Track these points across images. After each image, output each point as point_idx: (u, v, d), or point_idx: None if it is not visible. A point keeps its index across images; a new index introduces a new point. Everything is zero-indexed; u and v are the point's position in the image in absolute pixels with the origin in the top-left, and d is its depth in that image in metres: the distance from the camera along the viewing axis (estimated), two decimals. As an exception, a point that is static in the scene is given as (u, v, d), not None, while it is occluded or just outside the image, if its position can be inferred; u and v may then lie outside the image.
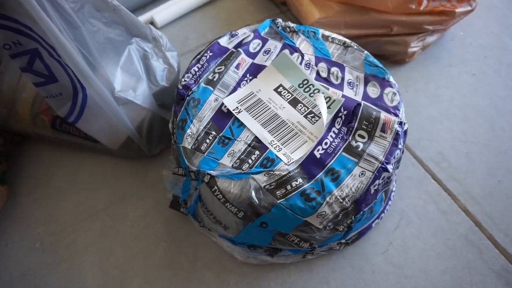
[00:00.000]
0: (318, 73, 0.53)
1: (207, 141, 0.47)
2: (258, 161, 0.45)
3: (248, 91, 0.51)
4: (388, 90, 0.52)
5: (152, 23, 0.80)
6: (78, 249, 0.56)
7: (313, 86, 0.51)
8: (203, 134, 0.47)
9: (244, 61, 0.54)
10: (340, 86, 0.52)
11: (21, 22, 0.40)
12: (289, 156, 0.46)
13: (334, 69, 0.53)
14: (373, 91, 0.51)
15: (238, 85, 0.52)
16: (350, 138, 0.47)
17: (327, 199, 0.43)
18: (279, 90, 0.51)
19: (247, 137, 0.47)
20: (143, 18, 0.79)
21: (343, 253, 0.55)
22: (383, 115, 0.49)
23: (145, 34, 0.56)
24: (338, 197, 0.43)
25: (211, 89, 0.51)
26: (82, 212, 0.59)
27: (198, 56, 0.54)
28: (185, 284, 0.53)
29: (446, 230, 0.57)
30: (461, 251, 0.55)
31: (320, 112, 0.48)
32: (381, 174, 0.45)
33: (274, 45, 0.55)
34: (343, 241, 0.52)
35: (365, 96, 0.51)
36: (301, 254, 0.52)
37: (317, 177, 0.44)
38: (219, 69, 0.52)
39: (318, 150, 0.46)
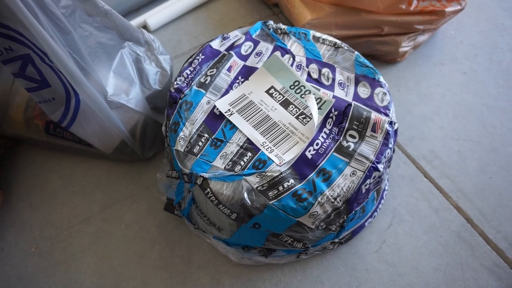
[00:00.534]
0: (309, 74, 0.53)
1: (200, 143, 0.47)
2: (250, 163, 0.46)
3: (239, 93, 0.51)
4: (378, 90, 0.52)
5: (145, 26, 0.80)
6: (74, 252, 0.56)
7: (304, 87, 0.52)
8: (195, 136, 0.47)
9: (235, 63, 0.54)
10: (331, 87, 0.52)
11: (12, 28, 0.40)
12: (281, 157, 0.46)
13: (325, 70, 0.54)
14: (364, 91, 0.52)
15: (230, 87, 0.52)
16: (341, 138, 0.48)
17: (319, 199, 0.44)
18: (270, 91, 0.52)
19: (239, 139, 0.48)
20: (136, 21, 0.79)
21: (337, 252, 0.55)
22: (374, 115, 0.49)
23: (137, 38, 0.56)
24: (330, 197, 0.44)
25: (203, 92, 0.51)
26: (77, 215, 0.59)
27: (190, 59, 0.54)
28: (180, 286, 0.53)
29: (438, 227, 0.57)
30: (453, 247, 0.56)
31: (311, 113, 0.48)
32: (372, 173, 0.46)
33: (265, 47, 0.56)
34: (336, 240, 0.53)
35: (356, 97, 0.51)
36: (295, 254, 0.52)
37: (308, 177, 0.45)
38: (211, 71, 0.53)
39: (309, 151, 0.47)
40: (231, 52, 0.55)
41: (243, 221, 0.45)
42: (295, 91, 0.51)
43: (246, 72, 0.53)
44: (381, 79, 0.53)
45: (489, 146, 0.65)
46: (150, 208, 0.59)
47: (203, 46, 0.56)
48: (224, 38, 0.57)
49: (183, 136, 0.47)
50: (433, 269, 0.54)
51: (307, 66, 0.54)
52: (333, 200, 0.44)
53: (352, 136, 0.48)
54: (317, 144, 0.47)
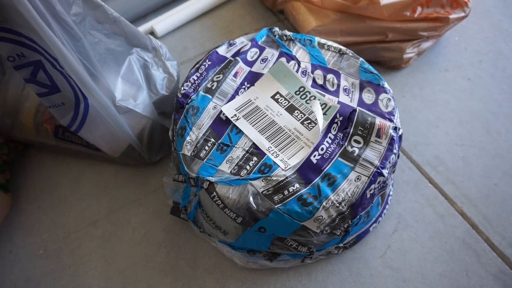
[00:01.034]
0: (314, 80, 0.54)
1: (206, 148, 0.48)
2: (256, 167, 0.46)
3: (246, 98, 0.52)
4: (383, 96, 0.53)
5: (152, 33, 0.81)
6: (82, 255, 0.57)
7: (310, 93, 0.52)
8: (202, 141, 0.48)
9: (242, 69, 0.55)
10: (336, 93, 0.53)
11: (24, 35, 0.42)
12: (286, 162, 0.47)
13: (330, 76, 0.54)
14: (368, 97, 0.53)
15: (236, 93, 0.53)
16: (346, 144, 0.48)
17: (324, 203, 0.44)
18: (276, 97, 0.52)
19: (245, 143, 0.48)
20: (143, 28, 0.81)
21: (342, 257, 0.56)
22: (378, 120, 0.50)
23: (145, 44, 0.57)
24: (335, 201, 0.44)
25: (210, 97, 0.52)
26: (84, 219, 0.60)
27: (197, 65, 0.55)
28: (186, 289, 0.53)
29: (443, 233, 0.57)
30: (458, 254, 0.56)
31: (316, 119, 0.49)
32: (376, 178, 0.46)
33: (271, 53, 0.56)
34: (341, 245, 0.53)
35: (361, 102, 0.52)
36: (299, 258, 0.52)
37: (313, 182, 0.45)
38: (217, 77, 0.54)
39: (314, 156, 0.47)
40: (237, 58, 0.55)
41: (249, 225, 0.45)
42: (301, 97, 0.52)
43: (252, 78, 0.54)
44: (386, 85, 0.54)
45: (494, 152, 0.65)
46: (156, 212, 0.60)
47: (209, 52, 0.56)
48: (230, 45, 0.58)
49: (189, 140, 0.48)
50: (438, 275, 0.54)
51: (312, 72, 0.54)
52: (338, 204, 0.44)
53: (357, 142, 0.49)
54: (322, 149, 0.48)
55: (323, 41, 0.58)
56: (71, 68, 0.43)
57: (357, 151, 0.48)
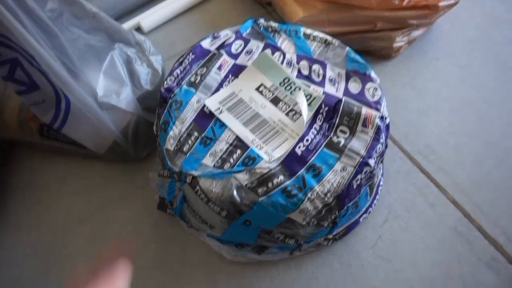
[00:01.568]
0: (299, 71, 0.53)
1: (189, 142, 0.47)
2: (240, 160, 0.46)
3: (229, 91, 0.51)
4: (369, 85, 0.52)
5: (139, 28, 0.81)
6: (69, 253, 0.56)
7: (294, 84, 0.51)
8: (185, 135, 0.48)
9: (226, 62, 0.54)
10: (321, 83, 0.52)
11: (-2, 33, 0.41)
12: (271, 154, 0.46)
13: (315, 67, 0.53)
14: (355, 86, 0.52)
15: (220, 86, 0.52)
16: (331, 134, 0.48)
17: (309, 195, 0.43)
18: (260, 89, 0.52)
19: (228, 136, 0.48)
20: (130, 23, 0.80)
21: (332, 249, 0.55)
22: (364, 110, 0.49)
23: (127, 39, 0.56)
24: (320, 192, 0.44)
25: (194, 90, 0.51)
26: (72, 216, 0.59)
27: (181, 59, 0.55)
28: (174, 285, 0.53)
29: (434, 222, 0.57)
30: (450, 242, 0.55)
31: (301, 110, 0.48)
32: (362, 168, 0.46)
33: (256, 45, 0.56)
34: (330, 236, 0.52)
35: (347, 92, 0.51)
36: (288, 251, 0.52)
37: (298, 173, 0.45)
38: (201, 70, 0.53)
39: (299, 147, 0.47)
40: (221, 50, 0.55)
41: (233, 218, 0.45)
42: (285, 88, 0.51)
43: (237, 71, 0.53)
44: (372, 74, 0.53)
45: (486, 140, 0.64)
46: (144, 207, 0.59)
47: (193, 46, 0.56)
48: (214, 37, 0.57)
49: (173, 135, 0.48)
50: (430, 264, 0.53)
51: (298, 63, 0.54)
52: (323, 196, 0.44)
53: (342, 132, 0.48)
54: (307, 140, 0.47)
55: (309, 31, 0.57)
56: (47, 65, 0.42)
57: (343, 141, 0.47)
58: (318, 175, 0.45)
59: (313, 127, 0.48)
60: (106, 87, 0.52)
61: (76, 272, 0.53)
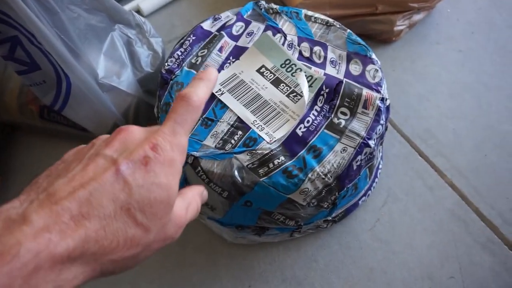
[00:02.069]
0: (300, 53, 0.53)
1: (191, 123, 0.47)
2: (241, 141, 0.46)
3: (230, 73, 0.51)
4: (370, 67, 0.52)
5: (138, 11, 0.80)
6: (71, 235, 0.57)
7: (295, 65, 0.51)
8: (186, 116, 0.47)
9: (227, 43, 0.54)
10: (322, 65, 0.52)
11: (-2, 9, 0.40)
12: (272, 135, 0.46)
13: (316, 48, 0.53)
14: (355, 68, 0.52)
15: (221, 67, 0.52)
16: (332, 116, 0.48)
17: (309, 175, 0.44)
18: (261, 70, 0.51)
19: (229, 118, 0.48)
20: (129, 6, 0.79)
21: (331, 231, 0.56)
22: (365, 91, 0.49)
23: (128, 20, 0.56)
24: (320, 173, 0.44)
25: (194, 72, 0.51)
26: (73, 199, 0.60)
27: (182, 41, 0.54)
28: (176, 267, 0.54)
29: (432, 205, 0.57)
30: (447, 225, 0.56)
31: (302, 91, 0.48)
32: (362, 149, 0.46)
33: (257, 27, 0.55)
34: (329, 218, 0.53)
35: (347, 74, 0.51)
36: (288, 232, 0.53)
37: (299, 154, 0.45)
38: (202, 52, 0.53)
39: (300, 128, 0.47)
40: (222, 32, 0.54)
41: (234, 199, 0.45)
42: (286, 70, 0.51)
43: (237, 52, 0.53)
44: (373, 56, 0.53)
45: (485, 124, 0.64)
46: (145, 190, 0.60)
47: (194, 28, 0.55)
48: (215, 19, 0.56)
49: (174, 116, 0.47)
50: (427, 246, 0.54)
51: (299, 45, 0.53)
52: (323, 176, 0.44)
53: (343, 113, 0.48)
54: (308, 122, 0.47)
55: (310, 13, 0.57)
56: (49, 43, 0.42)
57: (343, 122, 0.47)
58: (318, 156, 0.45)
59: (314, 108, 0.48)
60: (107, 68, 0.51)
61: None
